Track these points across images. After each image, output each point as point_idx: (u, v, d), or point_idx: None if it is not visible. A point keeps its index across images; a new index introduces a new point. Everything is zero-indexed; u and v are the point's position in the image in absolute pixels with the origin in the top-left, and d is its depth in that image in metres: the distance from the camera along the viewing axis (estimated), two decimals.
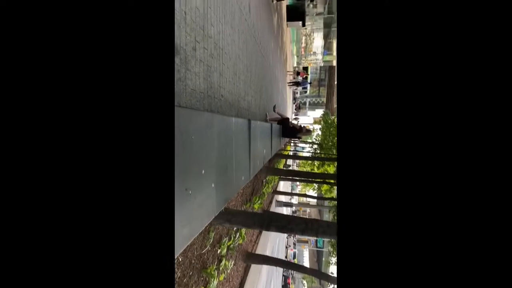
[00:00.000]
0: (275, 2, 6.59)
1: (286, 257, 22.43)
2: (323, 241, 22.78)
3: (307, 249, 33.71)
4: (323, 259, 27.72)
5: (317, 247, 29.05)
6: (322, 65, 25.79)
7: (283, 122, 5.40)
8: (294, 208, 20.84)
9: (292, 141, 14.94)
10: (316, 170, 11.96)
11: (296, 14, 10.69)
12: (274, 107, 6.61)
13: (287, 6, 10.84)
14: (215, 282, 3.07)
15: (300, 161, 17.28)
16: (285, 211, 16.50)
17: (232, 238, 3.89)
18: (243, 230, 4.34)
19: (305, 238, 26.42)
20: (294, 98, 23.03)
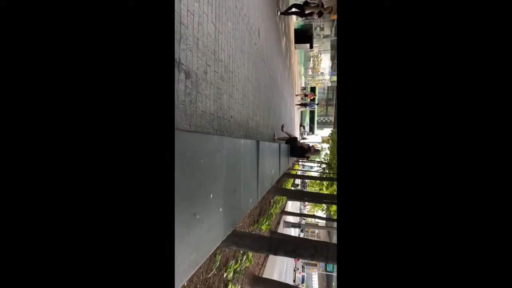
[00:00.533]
0: (279, 14, 6.73)
1: (294, 281, 21.51)
2: (333, 265, 21.86)
3: (316, 273, 32.28)
4: (333, 283, 26.42)
5: (326, 271, 27.83)
6: (329, 85, 26.12)
7: (291, 141, 5.40)
8: (302, 229, 20.27)
9: (300, 161, 14.83)
10: (324, 190, 11.73)
11: (304, 37, 11.01)
12: (282, 126, 6.65)
13: (295, 30, 11.19)
14: None
15: (309, 181, 17.01)
16: (293, 232, 16.04)
17: (239, 261, 3.78)
18: (250, 253, 4.22)
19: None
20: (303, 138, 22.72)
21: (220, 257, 3.15)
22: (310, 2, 6.68)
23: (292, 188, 12.06)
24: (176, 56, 1.87)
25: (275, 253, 2.53)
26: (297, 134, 15.14)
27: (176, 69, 1.86)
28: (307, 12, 6.75)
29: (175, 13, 1.85)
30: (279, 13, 6.67)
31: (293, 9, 7.08)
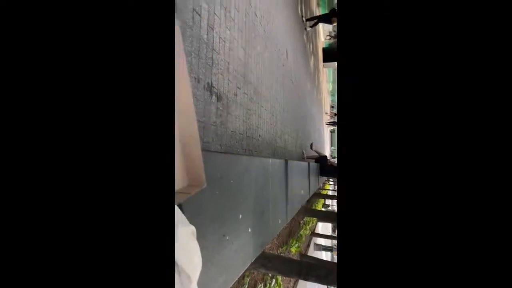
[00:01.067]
0: (308, 29, 6.67)
1: None
2: None
3: None
4: None
5: None
6: None
7: (321, 160, 5.27)
8: (334, 253, 19.11)
9: (331, 180, 14.30)
10: None
11: (332, 55, 11.01)
12: (311, 145, 6.55)
13: (323, 49, 11.27)
14: None
15: None
16: (325, 256, 15.17)
17: (268, 285, 3.65)
18: (279, 277, 4.06)
19: None
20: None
21: (248, 279, 3.07)
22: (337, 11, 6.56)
23: (323, 209, 11.58)
24: (208, 80, 1.98)
25: (306, 278, 2.41)
26: (327, 152, 14.74)
27: (208, 92, 1.97)
28: (334, 24, 6.61)
29: (208, 41, 1.98)
30: (308, 28, 6.65)
31: (319, 17, 6.90)
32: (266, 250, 3.39)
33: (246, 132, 2.66)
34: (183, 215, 0.56)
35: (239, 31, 2.55)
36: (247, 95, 2.68)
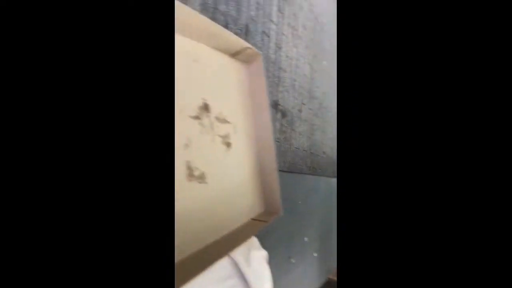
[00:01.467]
0: None
1: None
2: None
3: None
4: None
5: None
6: None
7: None
8: None
9: None
10: None
11: None
12: None
13: None
14: None
15: None
16: None
17: None
18: None
19: None
20: None
21: None
22: None
23: None
24: (275, 98, 2.02)
25: None
26: None
27: (274, 110, 2.01)
28: None
29: (276, 60, 2.04)
30: None
31: None
32: (331, 277, 3.16)
33: (310, 149, 2.59)
34: (256, 238, 0.56)
35: (306, 48, 2.56)
36: (311, 110, 2.64)
